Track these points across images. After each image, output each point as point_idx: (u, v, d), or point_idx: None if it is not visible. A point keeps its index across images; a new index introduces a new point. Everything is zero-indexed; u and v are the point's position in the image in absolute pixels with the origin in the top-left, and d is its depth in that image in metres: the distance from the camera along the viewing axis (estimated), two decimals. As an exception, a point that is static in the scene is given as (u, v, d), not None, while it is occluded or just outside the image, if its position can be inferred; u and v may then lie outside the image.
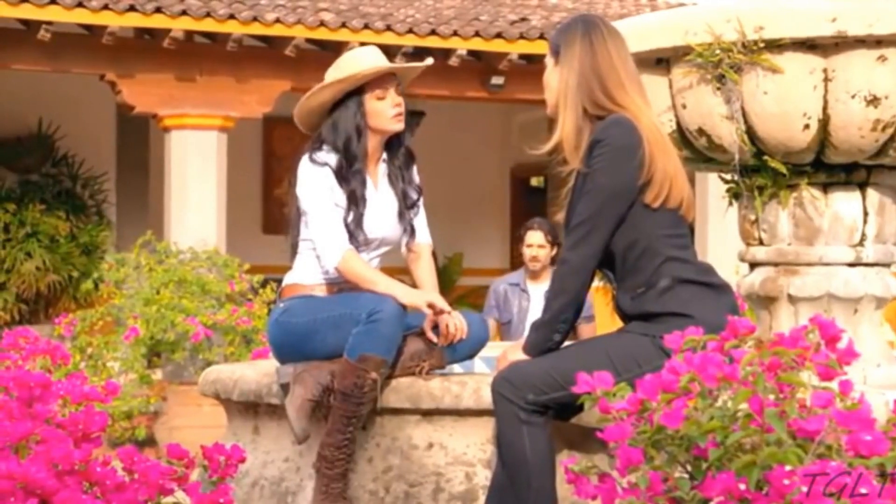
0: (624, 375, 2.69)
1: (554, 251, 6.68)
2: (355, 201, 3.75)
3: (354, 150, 3.77)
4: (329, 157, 3.78)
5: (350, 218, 3.74)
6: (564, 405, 3.08)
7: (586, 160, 3.16)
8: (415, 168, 3.95)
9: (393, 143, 3.90)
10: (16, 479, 2.32)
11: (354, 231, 3.74)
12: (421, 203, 3.96)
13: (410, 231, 3.92)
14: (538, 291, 6.59)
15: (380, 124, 3.80)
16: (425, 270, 3.93)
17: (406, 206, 3.89)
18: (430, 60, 4.00)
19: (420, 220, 3.97)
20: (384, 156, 3.89)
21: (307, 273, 3.81)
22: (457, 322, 3.66)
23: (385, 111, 3.79)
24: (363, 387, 3.49)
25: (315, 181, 3.76)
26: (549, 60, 3.33)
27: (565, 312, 3.20)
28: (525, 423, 3.10)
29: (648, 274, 3.16)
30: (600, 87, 3.21)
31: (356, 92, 3.78)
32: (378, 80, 3.79)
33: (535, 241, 6.68)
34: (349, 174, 3.75)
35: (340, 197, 3.76)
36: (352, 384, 3.49)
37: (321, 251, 3.73)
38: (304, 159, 3.80)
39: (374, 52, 3.89)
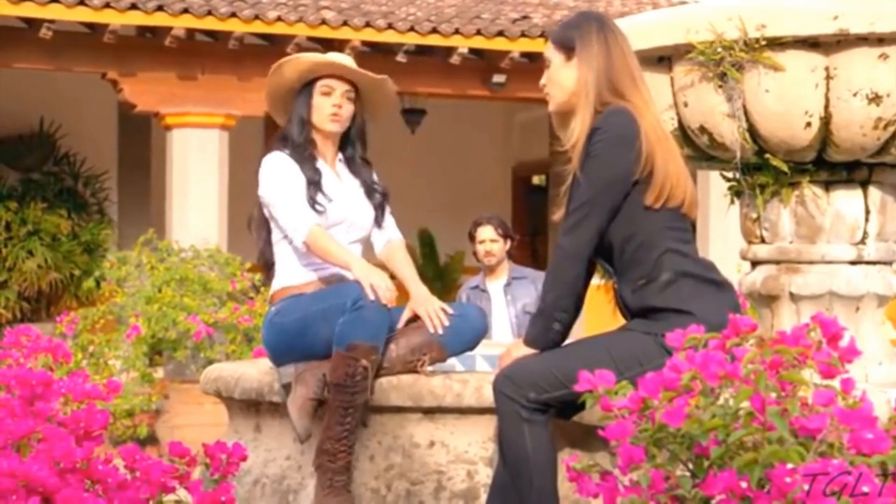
0: (625, 374, 2.69)
1: (507, 245, 6.60)
2: (308, 176, 3.82)
3: (297, 139, 3.87)
4: (287, 149, 3.88)
5: (309, 193, 3.80)
6: (566, 403, 3.08)
7: (584, 148, 3.17)
8: (374, 175, 4.02)
9: (347, 151, 3.98)
10: (18, 478, 2.32)
11: (315, 204, 3.79)
12: (387, 202, 4.01)
13: (380, 216, 3.97)
14: (496, 288, 6.56)
15: (317, 120, 3.89)
16: (402, 262, 3.96)
17: (373, 192, 3.96)
18: (385, 76, 4.03)
19: (388, 220, 4.02)
20: (340, 157, 3.98)
21: (293, 274, 3.85)
22: (429, 310, 3.69)
23: (324, 108, 3.88)
24: (355, 375, 3.50)
25: (274, 169, 3.85)
26: (556, 57, 3.30)
27: (562, 300, 3.19)
28: (526, 422, 3.10)
29: (648, 266, 3.15)
30: (612, 85, 3.21)
31: (310, 85, 3.88)
32: (328, 78, 3.88)
33: (487, 236, 6.57)
34: (299, 160, 3.84)
35: (300, 182, 3.82)
36: (343, 374, 3.50)
37: (289, 231, 3.78)
38: (266, 156, 3.91)
39: (340, 55, 4.00)
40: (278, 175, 3.83)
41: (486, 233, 6.60)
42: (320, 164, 3.89)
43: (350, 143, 3.97)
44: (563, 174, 3.26)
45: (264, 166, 3.89)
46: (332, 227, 3.82)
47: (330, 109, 3.87)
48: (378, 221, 3.98)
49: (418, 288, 3.79)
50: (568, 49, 3.28)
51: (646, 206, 3.15)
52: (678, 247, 3.18)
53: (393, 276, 3.77)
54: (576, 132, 3.22)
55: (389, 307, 3.59)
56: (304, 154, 3.86)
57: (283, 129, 3.95)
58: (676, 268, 3.15)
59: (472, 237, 6.68)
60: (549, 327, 3.20)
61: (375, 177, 4.02)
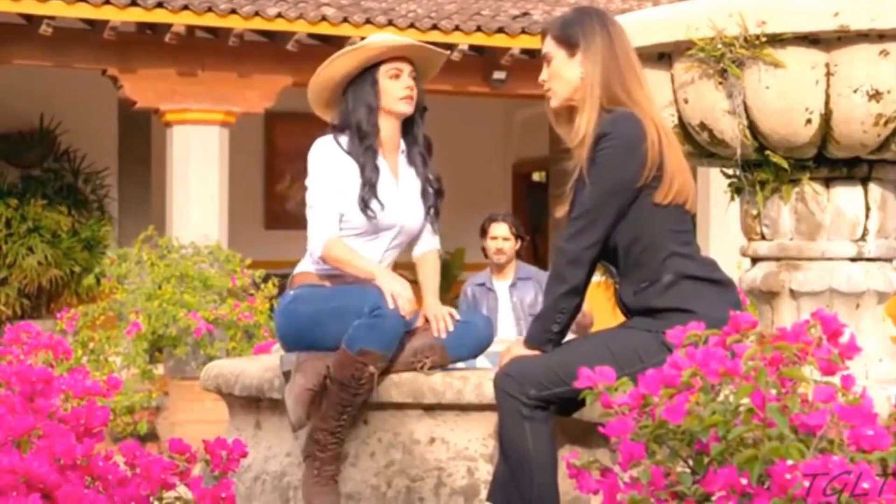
0: (626, 370, 2.69)
1: (518, 245, 6.53)
2: (366, 177, 3.75)
3: (365, 127, 3.79)
4: (342, 138, 3.81)
5: (363, 195, 3.74)
6: (567, 400, 3.08)
7: (590, 152, 3.17)
8: (432, 165, 3.95)
9: (412, 131, 3.91)
10: (18, 474, 2.32)
11: (367, 209, 3.74)
12: (440, 202, 3.95)
13: (433, 219, 3.94)
14: (504, 287, 6.51)
15: (389, 104, 3.82)
16: (430, 273, 3.95)
17: (428, 192, 3.90)
18: (446, 51, 4.02)
19: (433, 227, 3.99)
20: (403, 146, 3.90)
21: (318, 264, 3.82)
22: (437, 314, 3.70)
23: (395, 91, 3.81)
24: (361, 379, 3.50)
25: (321, 161, 3.79)
26: (558, 53, 3.30)
27: (563, 302, 3.20)
28: (527, 419, 3.10)
29: (652, 269, 3.16)
30: (620, 82, 3.22)
31: (372, 70, 3.81)
32: (393, 60, 3.82)
33: (500, 234, 6.49)
34: (361, 151, 3.77)
35: (352, 177, 3.75)
36: (349, 376, 3.50)
37: (309, 235, 3.75)
38: (318, 140, 3.83)
39: (394, 36, 3.95)
40: (321, 167, 3.77)
41: (500, 230, 6.52)
42: (380, 160, 3.81)
43: (414, 122, 3.91)
44: (567, 171, 3.26)
45: (311, 153, 3.81)
46: (381, 232, 3.80)
47: (403, 92, 3.80)
48: (428, 225, 3.94)
49: (433, 298, 3.81)
50: (571, 45, 3.28)
51: (654, 203, 3.16)
52: (681, 249, 3.19)
53: (414, 281, 3.78)
54: (582, 129, 3.22)
55: (407, 318, 3.58)
56: (369, 145, 3.78)
57: (342, 119, 3.83)
58: (678, 270, 3.16)
59: (483, 232, 6.59)
60: (547, 328, 3.21)
61: (433, 168, 3.94)
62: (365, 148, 3.78)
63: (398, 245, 3.89)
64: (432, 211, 3.93)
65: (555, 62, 3.32)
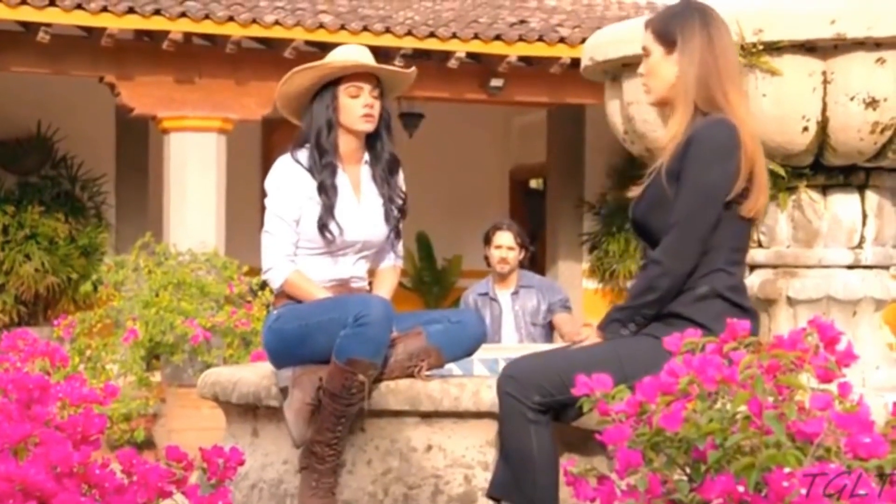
0: (632, 379, 2.67)
1: (522, 255, 6.46)
2: (325, 192, 3.75)
3: (324, 143, 3.78)
4: (302, 153, 3.80)
5: (321, 217, 3.75)
6: (564, 405, 3.07)
7: (679, 157, 3.08)
8: (400, 175, 3.94)
9: (376, 147, 3.90)
10: (14, 482, 2.32)
11: (326, 232, 3.75)
12: (404, 218, 3.95)
13: (396, 234, 3.93)
14: (507, 297, 6.46)
15: (348, 121, 3.80)
16: (382, 288, 3.94)
17: (391, 211, 3.90)
18: (412, 69, 3.99)
19: (398, 245, 4.00)
20: (366, 158, 3.89)
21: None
22: None
23: (354, 109, 3.79)
24: (351, 388, 3.51)
25: (279, 183, 3.79)
26: (655, 49, 3.21)
27: (650, 309, 3.12)
28: (533, 423, 3.10)
29: (694, 278, 3.09)
30: (719, 84, 3.11)
31: (333, 86, 3.80)
32: (354, 77, 3.80)
33: (505, 243, 6.41)
34: (319, 168, 3.77)
35: (312, 194, 3.76)
36: (340, 386, 3.51)
37: (264, 261, 3.77)
38: (278, 160, 3.83)
39: (361, 51, 3.90)
40: (277, 193, 3.78)
41: (505, 239, 6.44)
42: (341, 178, 3.80)
43: (378, 137, 3.88)
44: (654, 154, 3.20)
45: (272, 173, 3.82)
46: (345, 249, 3.81)
47: (361, 111, 3.77)
48: (391, 241, 3.95)
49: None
50: (669, 42, 3.18)
51: (739, 215, 3.09)
52: (729, 268, 3.10)
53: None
54: (672, 130, 3.14)
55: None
56: (328, 162, 3.77)
57: (303, 133, 3.83)
58: (717, 285, 3.09)
59: (487, 240, 6.50)
60: (626, 325, 3.15)
61: (401, 180, 3.93)
62: (323, 165, 3.77)
63: (365, 258, 3.90)
64: (394, 232, 3.93)
65: (652, 57, 3.22)
